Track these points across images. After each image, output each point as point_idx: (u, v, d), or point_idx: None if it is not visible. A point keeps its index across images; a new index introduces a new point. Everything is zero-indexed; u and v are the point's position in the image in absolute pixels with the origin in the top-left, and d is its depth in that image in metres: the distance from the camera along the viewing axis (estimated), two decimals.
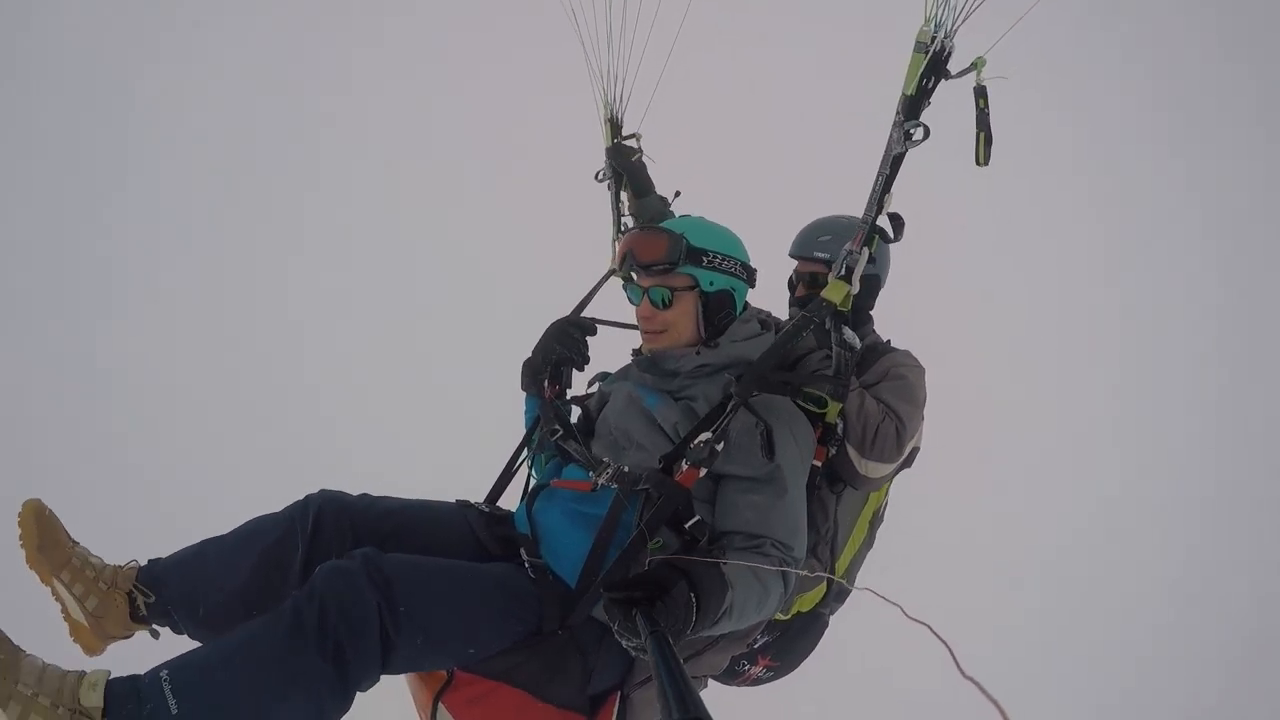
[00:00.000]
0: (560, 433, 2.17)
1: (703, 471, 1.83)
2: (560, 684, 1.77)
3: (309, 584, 1.51)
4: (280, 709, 1.40)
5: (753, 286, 2.20)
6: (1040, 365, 7.16)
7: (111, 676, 1.36)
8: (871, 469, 2.13)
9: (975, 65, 1.79)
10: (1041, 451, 6.87)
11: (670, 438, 1.98)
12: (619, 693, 1.90)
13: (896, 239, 1.96)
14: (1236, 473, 6.78)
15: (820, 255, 2.42)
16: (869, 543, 2.45)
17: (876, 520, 2.45)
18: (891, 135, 1.83)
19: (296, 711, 1.42)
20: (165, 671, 1.38)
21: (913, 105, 1.80)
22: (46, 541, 1.59)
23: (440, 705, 1.76)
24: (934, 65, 1.78)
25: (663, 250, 2.01)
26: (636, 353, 2.31)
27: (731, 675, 2.36)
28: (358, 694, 1.52)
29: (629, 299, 2.17)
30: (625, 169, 2.62)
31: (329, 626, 1.44)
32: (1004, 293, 7.16)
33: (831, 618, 2.45)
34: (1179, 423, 7.03)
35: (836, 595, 2.37)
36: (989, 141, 1.83)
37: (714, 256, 2.05)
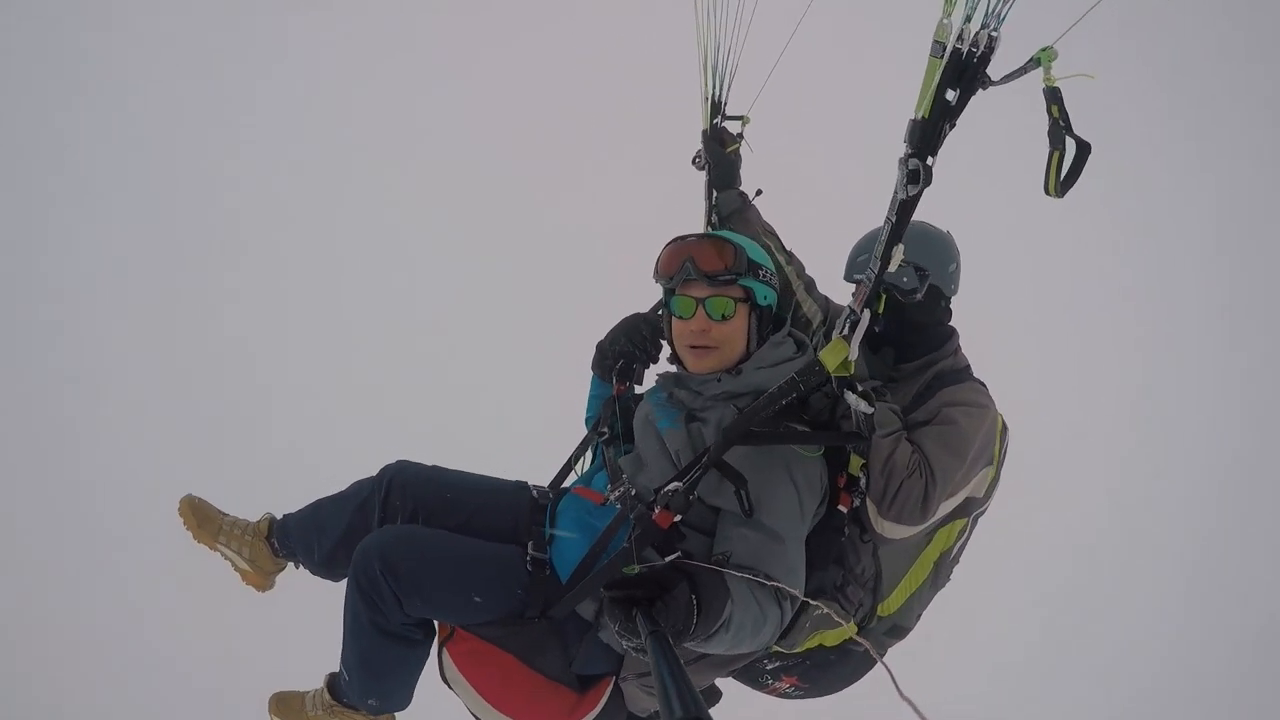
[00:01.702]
0: (605, 435, 2.20)
1: (677, 516, 1.77)
2: (545, 660, 1.95)
3: (353, 556, 1.97)
4: (375, 637, 1.97)
5: None
6: (1044, 362, 6.94)
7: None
8: (889, 529, 1.83)
9: (1039, 60, 1.23)
10: (1051, 451, 6.46)
11: (675, 464, 1.93)
12: (613, 679, 2.00)
13: (913, 295, 1.48)
14: (1250, 464, 6.76)
15: (858, 277, 2.00)
16: (934, 582, 2.12)
17: (946, 559, 2.10)
18: (898, 174, 1.35)
19: (383, 637, 1.96)
20: None
21: (925, 134, 1.29)
22: (202, 520, 2.22)
23: (445, 652, 2.03)
24: (959, 71, 1.24)
25: (730, 259, 1.91)
26: (674, 361, 2.17)
27: (756, 684, 2.25)
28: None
29: (673, 312, 2.01)
30: (715, 157, 2.34)
31: (362, 587, 1.92)
32: (1006, 287, 6.63)
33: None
34: (1191, 415, 6.98)
35: (888, 631, 2.12)
36: (1064, 163, 1.26)
37: (764, 270, 1.97)
